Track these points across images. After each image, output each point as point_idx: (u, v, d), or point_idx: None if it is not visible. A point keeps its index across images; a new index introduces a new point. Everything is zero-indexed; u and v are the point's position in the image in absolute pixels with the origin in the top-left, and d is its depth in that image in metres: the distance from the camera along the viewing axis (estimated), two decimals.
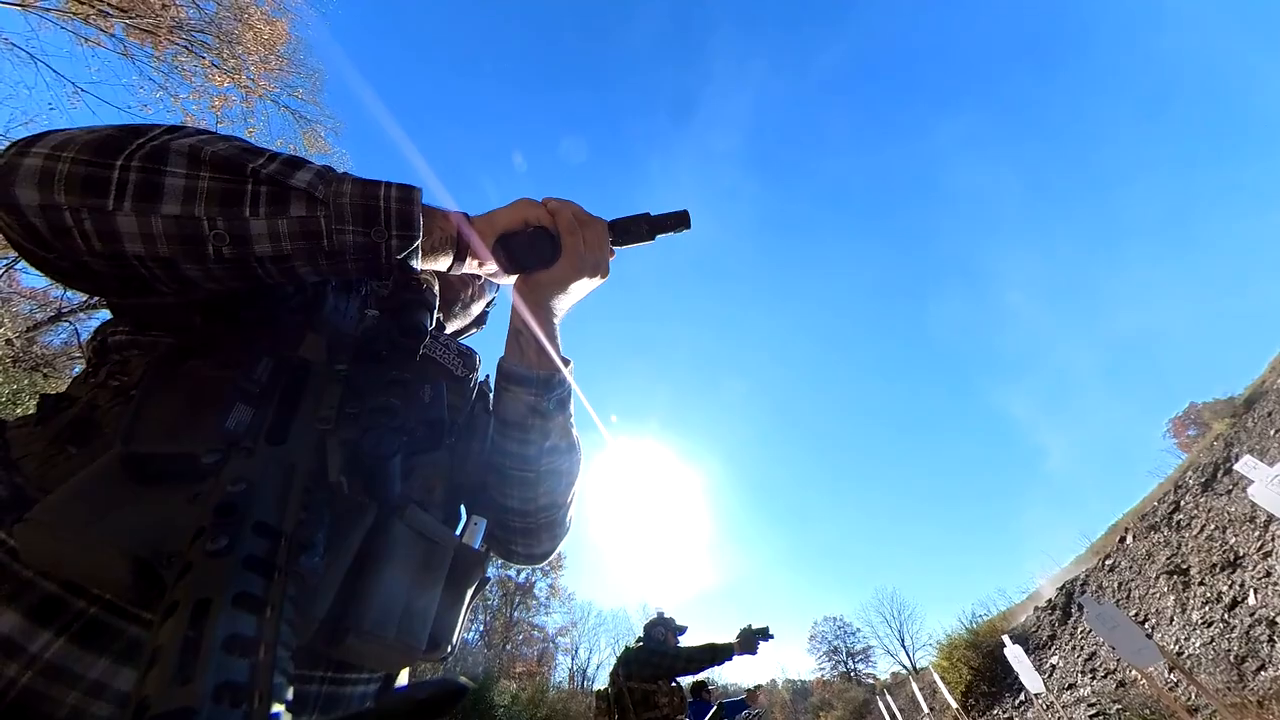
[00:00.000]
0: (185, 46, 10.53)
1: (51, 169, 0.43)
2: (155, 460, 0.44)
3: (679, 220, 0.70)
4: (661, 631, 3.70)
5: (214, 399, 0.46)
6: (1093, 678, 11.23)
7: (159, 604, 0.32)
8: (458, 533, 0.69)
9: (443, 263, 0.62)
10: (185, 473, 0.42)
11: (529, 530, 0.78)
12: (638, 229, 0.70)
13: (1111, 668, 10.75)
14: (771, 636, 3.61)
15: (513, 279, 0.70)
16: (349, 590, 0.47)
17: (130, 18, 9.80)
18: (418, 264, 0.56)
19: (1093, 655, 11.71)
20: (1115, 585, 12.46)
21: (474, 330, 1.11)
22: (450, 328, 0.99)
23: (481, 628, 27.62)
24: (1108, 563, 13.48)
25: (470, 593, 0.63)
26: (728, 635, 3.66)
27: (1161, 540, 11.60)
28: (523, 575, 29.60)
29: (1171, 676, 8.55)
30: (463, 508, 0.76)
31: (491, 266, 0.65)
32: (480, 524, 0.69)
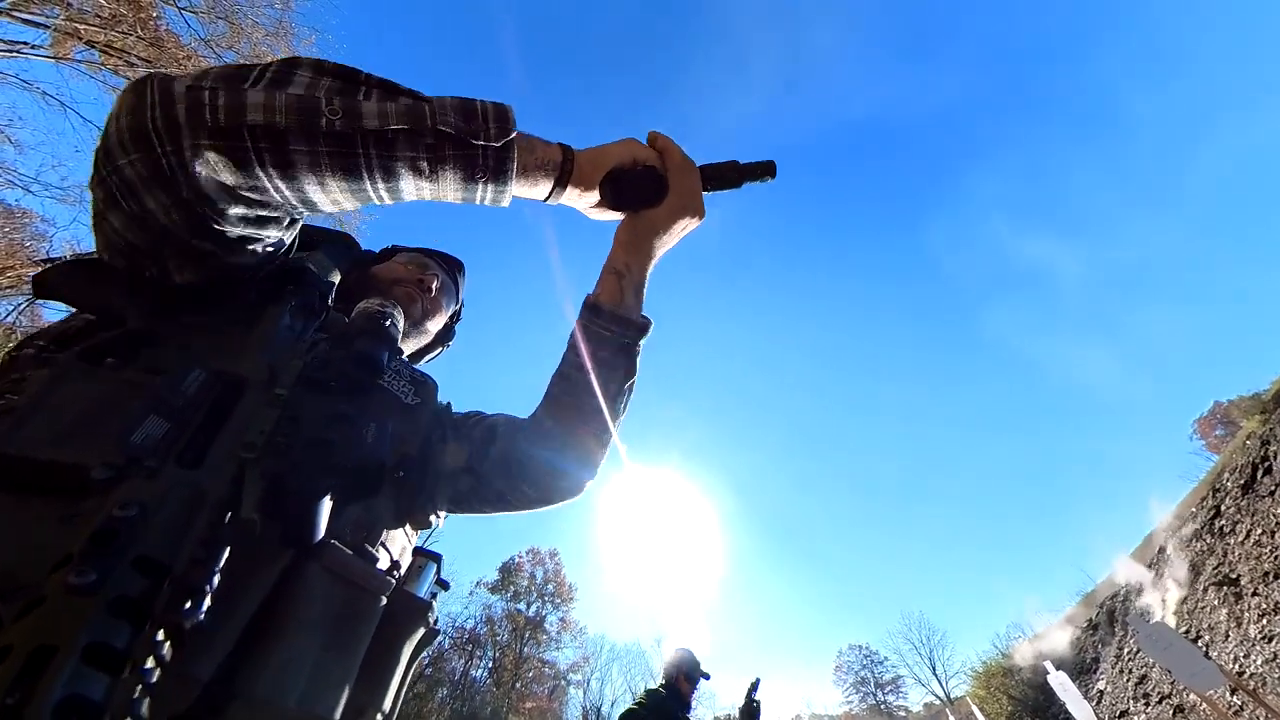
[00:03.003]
0: None
1: (206, 70, 0.50)
2: (33, 466, 0.37)
3: (765, 170, 0.71)
4: (674, 676, 3.46)
5: (124, 406, 0.41)
6: (1146, 704, 10.43)
7: None
8: (397, 578, 0.62)
9: (543, 188, 0.62)
10: (68, 487, 0.36)
11: (582, 454, 0.76)
12: (728, 175, 0.71)
13: (1166, 691, 9.99)
14: (757, 683, 3.55)
15: (613, 216, 0.70)
16: (244, 648, 0.41)
17: (156, 68, 10.42)
18: (513, 179, 0.57)
19: (1144, 679, 10.92)
20: (1160, 600, 11.72)
21: (438, 349, 1.06)
22: (406, 348, 0.96)
23: (490, 664, 26.63)
24: (1149, 576, 12.74)
25: (409, 648, 0.56)
26: (742, 670, 3.58)
27: (1205, 549, 10.98)
28: (532, 609, 28.76)
29: (1235, 699, 7.88)
30: (410, 548, 0.70)
31: (594, 198, 0.65)
32: (429, 568, 0.63)
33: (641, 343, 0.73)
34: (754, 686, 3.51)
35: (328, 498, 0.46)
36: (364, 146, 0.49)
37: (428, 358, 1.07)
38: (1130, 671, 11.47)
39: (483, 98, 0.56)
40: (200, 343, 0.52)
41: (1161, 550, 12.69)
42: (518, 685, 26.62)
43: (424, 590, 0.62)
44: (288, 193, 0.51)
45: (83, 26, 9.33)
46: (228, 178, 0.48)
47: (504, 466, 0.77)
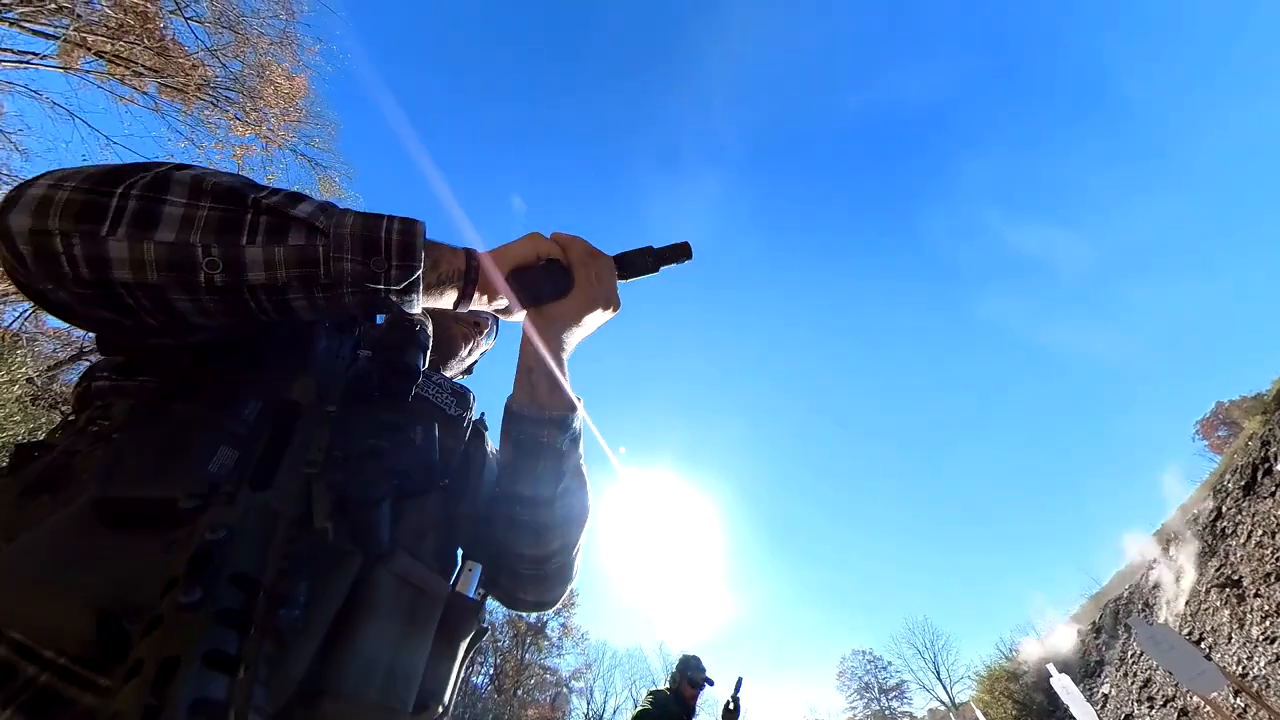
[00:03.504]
0: (211, 102, 11.29)
1: (51, 196, 0.43)
2: (131, 505, 0.42)
3: (680, 252, 0.72)
4: (678, 677, 3.48)
5: (197, 441, 0.45)
6: (1151, 707, 10.37)
7: (122, 665, 0.30)
8: (452, 580, 0.66)
9: (449, 298, 0.60)
10: (162, 519, 0.40)
11: (540, 577, 0.76)
12: (643, 261, 0.72)
13: (1170, 694, 9.93)
14: (740, 682, 3.61)
15: (522, 315, 0.69)
16: (328, 648, 0.44)
17: (162, 77, 10.58)
18: (419, 299, 0.55)
19: (1148, 682, 10.85)
20: (1164, 602, 11.68)
21: (462, 378, 1.11)
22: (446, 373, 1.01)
23: (491, 671, 26.44)
24: (1152, 577, 12.70)
25: (464, 645, 0.60)
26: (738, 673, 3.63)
27: (1207, 550, 10.95)
28: (534, 615, 28.53)
29: (1238, 701, 7.85)
30: (459, 552, 0.74)
31: (503, 301, 0.65)
32: (475, 570, 0.66)
33: (565, 434, 0.70)
34: (737, 685, 3.55)
35: (388, 500, 0.50)
36: (251, 295, 0.48)
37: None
38: (1135, 675, 11.41)
39: (390, 214, 0.53)
40: (252, 374, 0.55)
41: (1165, 551, 12.64)
42: (519, 692, 26.41)
43: (473, 591, 0.65)
44: (171, 323, 0.48)
45: (90, 37, 9.46)
46: (103, 315, 0.47)
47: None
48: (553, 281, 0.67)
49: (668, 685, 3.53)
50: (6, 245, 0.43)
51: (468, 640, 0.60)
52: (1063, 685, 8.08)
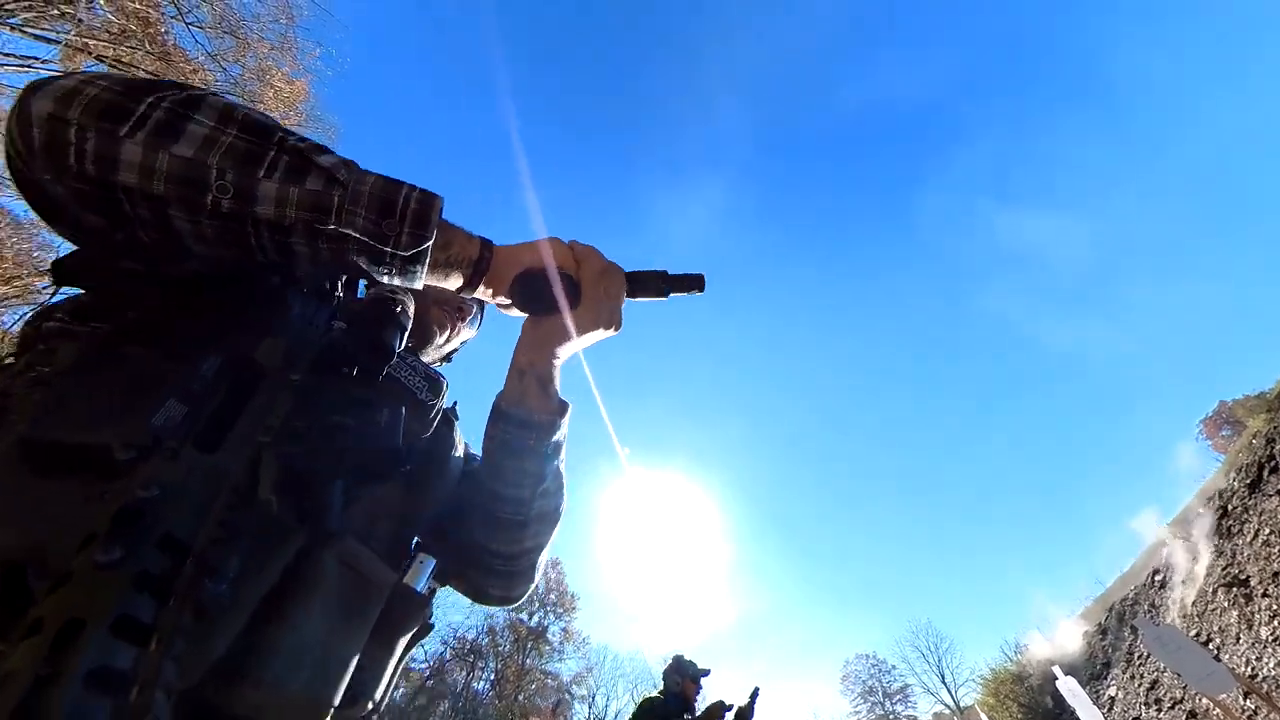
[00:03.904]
0: None
1: (79, 90, 0.43)
2: (60, 450, 0.38)
3: (694, 283, 0.71)
4: (677, 681, 3.45)
5: (145, 390, 0.42)
6: (1159, 710, 10.26)
7: (20, 624, 0.27)
8: (401, 571, 0.63)
9: (453, 281, 0.60)
10: (94, 468, 0.37)
11: (510, 574, 0.77)
12: (654, 284, 0.70)
13: (1179, 697, 9.82)
14: (757, 692, 3.52)
15: (522, 315, 0.69)
16: (254, 628, 0.41)
17: None
18: (423, 273, 0.55)
19: (1155, 684, 10.75)
20: (1169, 603, 11.58)
21: (440, 365, 1.09)
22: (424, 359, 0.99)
23: (492, 676, 26.27)
24: (1158, 578, 12.61)
25: (405, 641, 0.57)
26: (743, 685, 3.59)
27: (1213, 550, 10.86)
28: (534, 619, 28.42)
29: (1248, 704, 7.76)
30: (414, 542, 0.72)
31: (504, 300, 0.64)
32: (428, 564, 0.64)
33: (549, 439, 0.70)
34: (754, 695, 3.52)
35: (342, 481, 0.47)
36: (255, 229, 0.47)
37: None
38: (1141, 677, 11.30)
39: (410, 182, 0.52)
40: (217, 328, 0.52)
41: (1191, 518, 12.51)
42: (520, 698, 26.23)
43: (422, 586, 0.62)
44: (165, 243, 0.47)
45: (92, 42, 9.51)
46: (94, 221, 0.45)
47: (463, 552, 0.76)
48: (559, 294, 0.65)
49: (660, 690, 3.49)
50: (20, 129, 0.42)
51: (409, 636, 0.57)
52: (1069, 688, 7.99)
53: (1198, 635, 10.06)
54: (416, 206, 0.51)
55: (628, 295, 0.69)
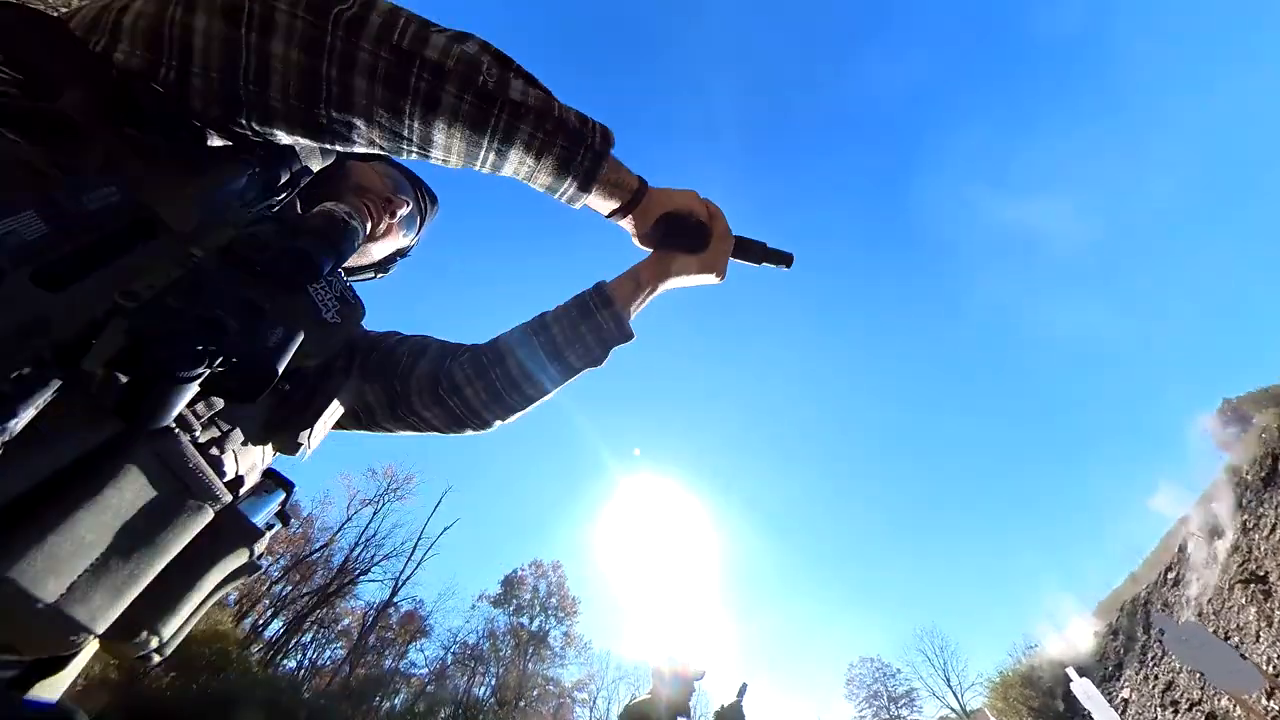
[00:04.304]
0: None
1: (402, 9, 0.53)
2: None
3: (784, 259, 0.80)
4: (685, 691, 3.31)
5: (4, 189, 0.37)
6: (1175, 712, 10.01)
7: None
8: (240, 498, 0.56)
9: (610, 204, 0.68)
10: None
11: (507, 405, 0.80)
12: (753, 251, 0.80)
13: (1196, 698, 9.58)
14: (745, 688, 3.43)
15: (646, 250, 0.78)
16: (12, 516, 0.35)
17: None
18: (595, 187, 0.63)
19: (1170, 685, 10.50)
20: (1184, 600, 11.34)
21: (370, 275, 1.01)
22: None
23: (493, 682, 25.97)
24: (1171, 576, 12.36)
25: (217, 578, 0.50)
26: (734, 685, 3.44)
27: (1229, 545, 10.64)
28: (535, 623, 28.14)
29: (1271, 704, 7.51)
30: (263, 460, 0.66)
31: (646, 230, 0.73)
32: (273, 495, 0.60)
33: (617, 348, 0.79)
34: (741, 691, 3.42)
35: (195, 385, 0.40)
36: (499, 110, 0.54)
37: (357, 278, 0.99)
38: (1156, 678, 11.05)
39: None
40: (134, 163, 0.46)
41: (1182, 548, 12.31)
42: (521, 704, 25.91)
43: (260, 517, 0.55)
44: (416, 125, 0.54)
45: None
46: (378, 92, 0.51)
47: (428, 387, 0.79)
48: (692, 238, 0.75)
49: (650, 691, 3.36)
50: (365, 5, 0.50)
51: (225, 569, 0.50)
52: (1083, 690, 7.76)
53: (1216, 633, 9.82)
54: (602, 127, 0.62)
55: (731, 255, 0.79)
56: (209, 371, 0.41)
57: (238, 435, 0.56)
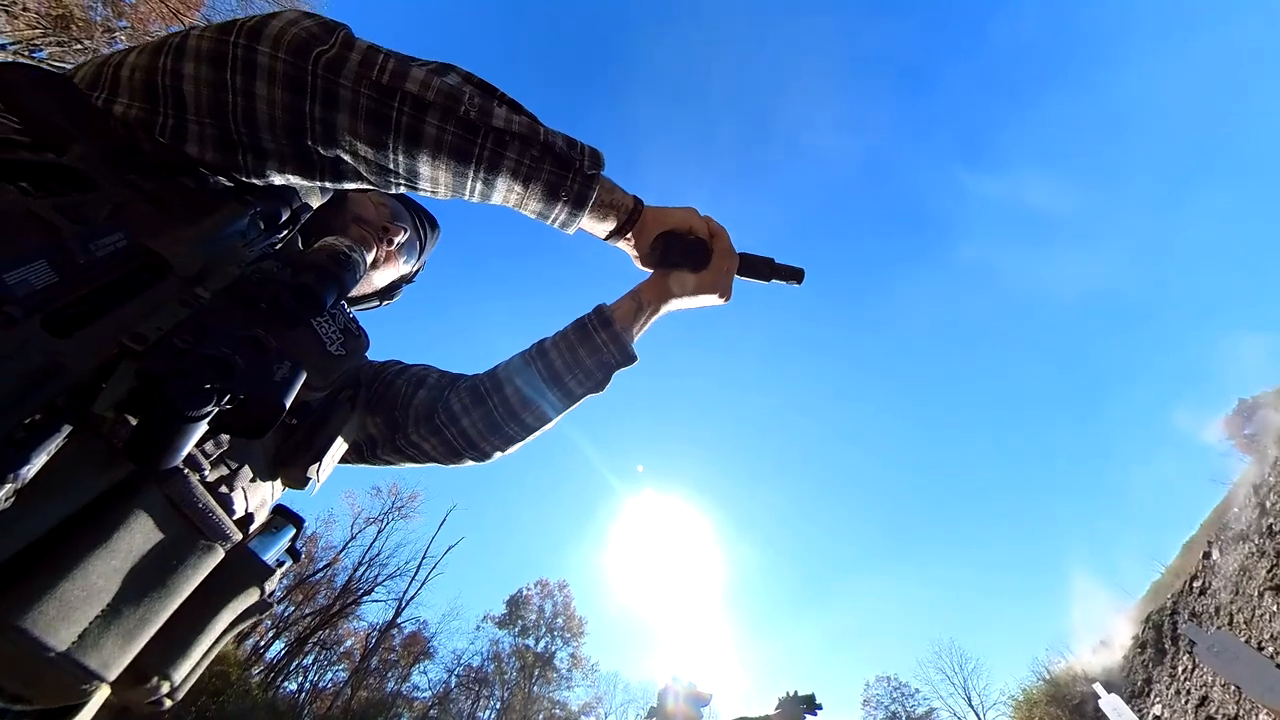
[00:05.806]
0: None
1: (380, 47, 0.55)
2: None
3: (794, 274, 0.78)
4: (670, 699, 3.19)
5: (17, 239, 0.37)
6: None
7: None
8: (250, 535, 0.56)
9: (606, 226, 0.67)
10: None
11: (505, 435, 0.80)
12: (760, 268, 0.77)
13: (1233, 712, 9.14)
14: (820, 707, 3.12)
15: (647, 271, 0.77)
16: (24, 562, 0.35)
17: None
18: (588, 208, 0.62)
19: (1205, 699, 10.04)
20: (1213, 610, 10.92)
21: (375, 303, 1.02)
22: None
23: (498, 705, 25.24)
24: (1196, 585, 11.94)
25: (229, 617, 0.50)
26: (763, 706, 3.20)
27: (1255, 550, 10.28)
28: (541, 645, 27.48)
29: None
30: (271, 498, 0.66)
31: (643, 252, 0.72)
32: (284, 531, 0.59)
33: (608, 368, 0.77)
34: (811, 700, 3.16)
35: (204, 423, 0.41)
36: (483, 138, 0.54)
37: (361, 307, 1.01)
38: (1189, 692, 10.57)
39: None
40: (139, 210, 0.47)
41: (1207, 555, 11.91)
42: None
43: (270, 554, 0.55)
44: (400, 158, 0.54)
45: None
46: (361, 128, 0.52)
47: (425, 417, 0.78)
48: (692, 257, 0.73)
49: (652, 706, 3.24)
50: (344, 47, 0.52)
51: (237, 609, 0.50)
52: (1113, 706, 7.45)
53: (1248, 644, 9.42)
54: (591, 150, 0.61)
55: (736, 273, 0.76)
56: (217, 409, 0.41)
57: (246, 472, 0.56)
